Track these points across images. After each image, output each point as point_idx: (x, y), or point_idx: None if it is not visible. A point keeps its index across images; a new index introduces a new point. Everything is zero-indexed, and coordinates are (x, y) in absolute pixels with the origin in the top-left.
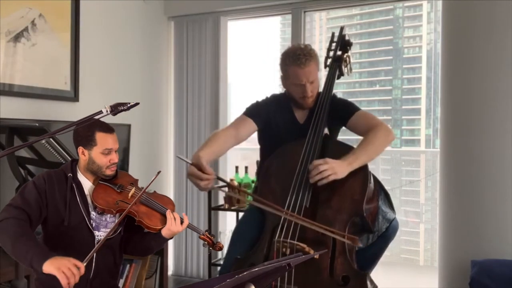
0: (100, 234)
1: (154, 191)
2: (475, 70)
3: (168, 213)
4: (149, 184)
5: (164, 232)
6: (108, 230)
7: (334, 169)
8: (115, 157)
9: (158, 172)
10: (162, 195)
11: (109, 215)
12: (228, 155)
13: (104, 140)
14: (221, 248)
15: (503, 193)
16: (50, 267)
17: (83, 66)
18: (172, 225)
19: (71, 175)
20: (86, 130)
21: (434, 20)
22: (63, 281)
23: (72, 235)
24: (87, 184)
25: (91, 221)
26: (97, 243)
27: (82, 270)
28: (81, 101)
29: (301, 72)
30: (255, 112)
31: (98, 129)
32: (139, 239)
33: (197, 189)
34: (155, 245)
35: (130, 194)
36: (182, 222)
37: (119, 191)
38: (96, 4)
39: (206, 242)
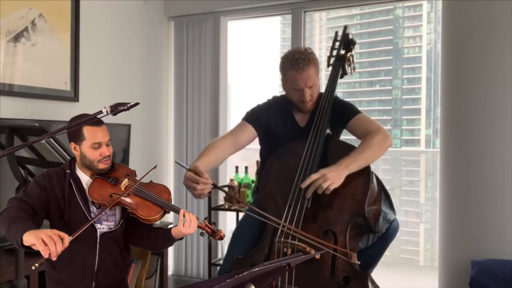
0: (102, 227)
1: (151, 181)
2: (475, 70)
3: (181, 214)
4: (143, 177)
5: (174, 232)
6: (111, 222)
7: (332, 178)
8: (105, 151)
9: (154, 166)
10: (158, 184)
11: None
12: None
13: (92, 134)
14: (222, 238)
15: (503, 193)
16: (29, 236)
17: (83, 66)
18: (185, 227)
19: (69, 171)
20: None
21: (434, 20)
22: (40, 247)
23: (74, 229)
24: (85, 179)
25: (91, 214)
26: (99, 236)
27: (66, 242)
28: (81, 101)
29: (298, 77)
30: (255, 116)
31: (85, 123)
32: (146, 233)
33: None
34: (163, 244)
35: (122, 186)
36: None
37: (113, 183)
38: (96, 4)
39: (204, 231)
